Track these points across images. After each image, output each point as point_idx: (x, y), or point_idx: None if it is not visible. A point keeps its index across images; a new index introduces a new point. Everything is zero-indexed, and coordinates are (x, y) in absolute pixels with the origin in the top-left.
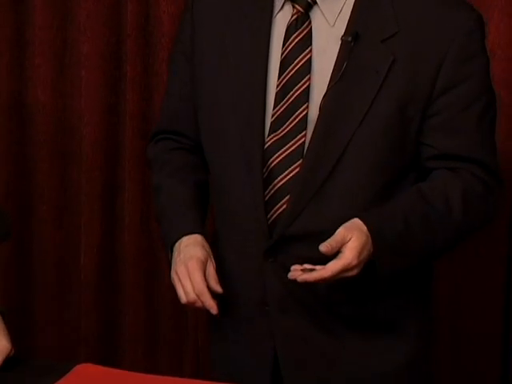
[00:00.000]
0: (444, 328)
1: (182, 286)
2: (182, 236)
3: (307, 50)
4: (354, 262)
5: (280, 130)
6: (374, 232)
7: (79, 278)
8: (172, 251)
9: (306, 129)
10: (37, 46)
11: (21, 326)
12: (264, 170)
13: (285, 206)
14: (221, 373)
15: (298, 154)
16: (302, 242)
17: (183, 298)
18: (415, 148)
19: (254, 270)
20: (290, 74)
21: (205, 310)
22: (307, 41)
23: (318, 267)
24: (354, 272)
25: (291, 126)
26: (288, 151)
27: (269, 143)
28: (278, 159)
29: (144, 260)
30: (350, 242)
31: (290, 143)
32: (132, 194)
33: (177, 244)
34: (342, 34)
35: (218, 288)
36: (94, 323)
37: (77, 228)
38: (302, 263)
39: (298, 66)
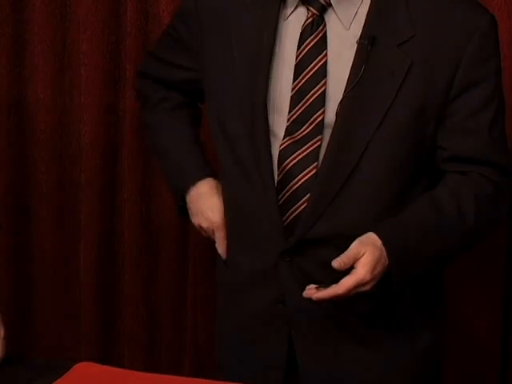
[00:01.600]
0: None
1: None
2: (196, 181)
3: (323, 54)
4: (368, 278)
5: (297, 134)
6: (389, 245)
7: (78, 277)
8: (186, 194)
9: (322, 133)
10: (36, 45)
11: (20, 325)
12: (279, 172)
13: (301, 209)
14: (229, 372)
15: (312, 157)
16: (319, 245)
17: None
18: (430, 151)
19: (270, 270)
20: (305, 78)
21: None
22: (322, 44)
23: (332, 286)
24: (368, 287)
25: (308, 130)
26: (303, 154)
27: (284, 145)
28: (294, 161)
29: (143, 259)
30: (363, 257)
31: (306, 146)
32: (131, 193)
33: (192, 190)
34: (358, 37)
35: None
36: (93, 322)
37: (76, 227)
38: (318, 265)
39: (313, 70)
